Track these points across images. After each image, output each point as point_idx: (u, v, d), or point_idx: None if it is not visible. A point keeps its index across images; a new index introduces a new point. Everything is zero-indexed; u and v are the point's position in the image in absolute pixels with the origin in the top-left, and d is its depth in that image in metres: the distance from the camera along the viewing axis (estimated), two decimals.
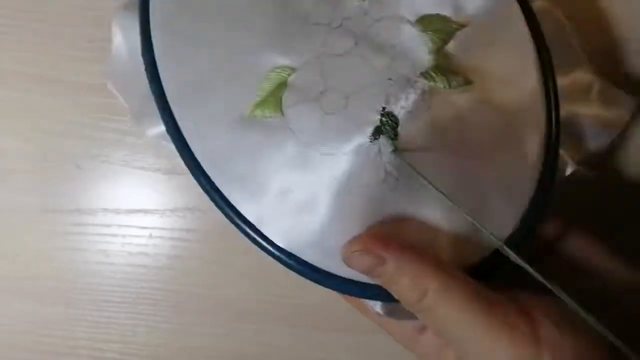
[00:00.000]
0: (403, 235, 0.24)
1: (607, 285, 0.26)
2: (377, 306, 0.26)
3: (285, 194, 0.25)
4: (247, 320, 0.36)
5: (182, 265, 0.36)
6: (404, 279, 0.23)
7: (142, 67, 0.27)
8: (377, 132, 0.24)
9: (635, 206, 0.33)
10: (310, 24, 0.26)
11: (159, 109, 0.27)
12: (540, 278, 0.22)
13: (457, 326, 0.22)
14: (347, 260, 0.24)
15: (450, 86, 0.25)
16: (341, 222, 0.25)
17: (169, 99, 0.27)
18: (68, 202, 0.35)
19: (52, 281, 0.36)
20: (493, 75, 0.26)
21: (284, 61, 0.26)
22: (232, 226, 0.26)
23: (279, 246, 0.26)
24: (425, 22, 0.26)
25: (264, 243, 0.26)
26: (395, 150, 0.24)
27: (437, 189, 0.24)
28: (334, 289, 0.26)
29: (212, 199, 0.26)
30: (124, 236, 0.36)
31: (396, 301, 0.24)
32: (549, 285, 0.22)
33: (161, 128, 0.28)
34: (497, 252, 0.25)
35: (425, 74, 0.25)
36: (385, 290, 0.24)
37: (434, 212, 0.25)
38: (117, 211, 0.36)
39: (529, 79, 0.26)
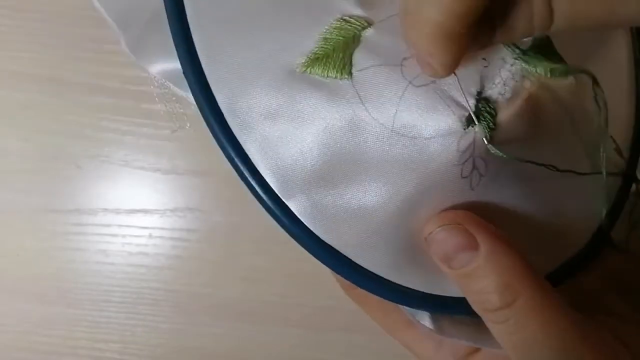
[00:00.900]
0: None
1: None
2: (425, 319, 0.23)
3: (335, 177, 0.20)
4: (247, 320, 0.36)
5: (182, 265, 0.36)
6: (493, 274, 0.18)
7: None
8: (472, 120, 0.19)
9: None
10: None
11: (176, 41, 0.21)
12: None
13: (545, 349, 0.18)
14: (429, 238, 0.20)
15: (550, 74, 0.20)
16: (404, 218, 0.20)
17: (192, 29, 0.21)
18: (68, 202, 0.35)
19: (52, 281, 0.36)
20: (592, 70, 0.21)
21: (357, 10, 0.20)
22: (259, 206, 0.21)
23: (322, 241, 0.21)
24: None
25: (309, 242, 0.21)
26: (491, 141, 0.19)
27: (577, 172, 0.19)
28: (377, 293, 0.22)
29: (235, 166, 0.21)
30: (124, 236, 0.36)
31: (453, 312, 0.21)
32: None
33: (169, 65, 0.22)
34: (563, 266, 0.22)
35: (524, 58, 0.20)
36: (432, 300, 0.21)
37: (509, 219, 0.21)
38: (117, 211, 0.35)
39: (623, 85, 0.23)
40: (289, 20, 0.20)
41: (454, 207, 0.20)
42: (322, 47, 0.20)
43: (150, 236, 0.36)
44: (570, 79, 0.21)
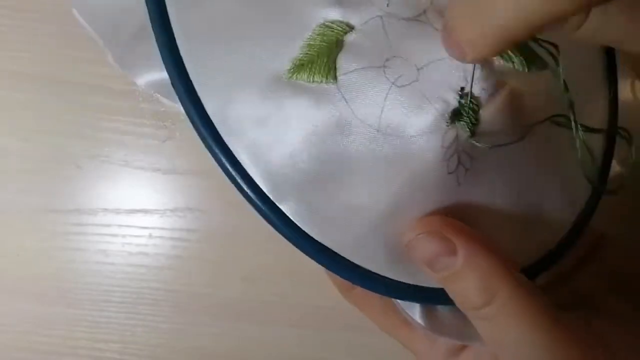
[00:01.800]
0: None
1: None
2: (416, 314, 0.23)
3: (325, 179, 0.20)
4: (247, 320, 0.36)
5: (182, 265, 0.36)
6: (472, 276, 0.19)
7: None
8: (455, 115, 0.20)
9: None
10: None
11: (162, 52, 0.21)
12: None
13: (523, 346, 0.19)
14: (409, 245, 0.20)
15: (528, 69, 0.21)
16: (394, 216, 0.21)
17: (177, 39, 0.21)
18: (68, 202, 0.35)
19: (52, 281, 0.36)
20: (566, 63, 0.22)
21: (338, 15, 0.20)
22: (252, 209, 0.21)
23: (317, 242, 0.21)
24: None
25: (303, 243, 0.21)
26: (473, 136, 0.20)
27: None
28: (376, 290, 0.22)
29: (225, 171, 0.21)
30: (124, 236, 0.36)
31: (444, 304, 0.21)
32: None
33: (157, 75, 0.23)
34: (544, 258, 0.23)
35: (503, 55, 0.21)
36: (425, 292, 0.21)
37: (496, 211, 0.21)
38: (117, 211, 0.36)
39: (597, 75, 0.24)
40: (273, 27, 0.20)
41: (440, 207, 0.21)
42: (306, 54, 0.20)
43: (150, 236, 0.36)
44: (546, 72, 0.21)
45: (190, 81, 0.20)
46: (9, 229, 0.36)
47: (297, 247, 0.21)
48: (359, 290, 0.26)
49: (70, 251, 0.36)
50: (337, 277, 0.22)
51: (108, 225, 0.36)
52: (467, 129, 0.20)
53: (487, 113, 0.20)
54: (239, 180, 0.21)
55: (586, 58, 0.24)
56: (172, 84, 0.21)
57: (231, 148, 0.21)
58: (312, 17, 0.20)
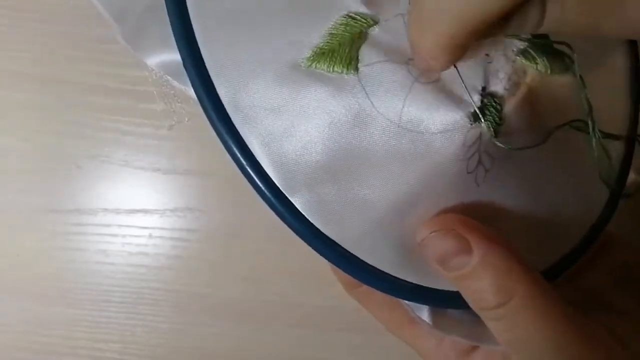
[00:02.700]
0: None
1: None
2: (424, 313, 0.23)
3: (339, 172, 0.20)
4: (247, 320, 0.36)
5: (182, 265, 0.36)
6: (487, 275, 0.19)
7: None
8: (478, 115, 0.19)
9: None
10: None
11: (175, 32, 0.20)
12: None
13: (540, 347, 0.19)
14: (422, 242, 0.20)
15: (551, 70, 0.20)
16: (408, 213, 0.20)
17: (192, 21, 0.20)
18: (68, 202, 0.35)
19: (52, 281, 0.36)
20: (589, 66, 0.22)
21: (361, 8, 0.20)
22: (260, 198, 0.21)
23: (326, 237, 0.21)
24: None
25: (312, 238, 0.21)
26: (496, 136, 0.20)
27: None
28: (384, 290, 0.22)
29: (236, 160, 0.20)
30: (124, 236, 0.36)
31: (455, 306, 0.21)
32: None
33: (168, 56, 0.22)
34: (558, 263, 0.23)
35: (525, 53, 0.20)
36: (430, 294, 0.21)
37: (513, 213, 0.21)
38: (117, 211, 0.35)
39: (618, 84, 0.24)
40: (294, 15, 0.20)
41: (456, 206, 0.20)
42: (328, 42, 0.20)
43: (150, 236, 0.36)
44: (568, 76, 0.21)
45: (204, 64, 0.20)
46: (9, 229, 0.36)
47: (305, 241, 0.21)
48: (364, 287, 0.26)
49: (70, 251, 0.36)
50: (343, 273, 0.21)
51: (108, 225, 0.36)
52: (491, 129, 0.20)
53: (508, 112, 0.20)
54: (249, 169, 0.20)
55: (609, 63, 0.24)
56: (185, 66, 0.20)
57: (243, 136, 0.20)
58: (336, 8, 0.20)
